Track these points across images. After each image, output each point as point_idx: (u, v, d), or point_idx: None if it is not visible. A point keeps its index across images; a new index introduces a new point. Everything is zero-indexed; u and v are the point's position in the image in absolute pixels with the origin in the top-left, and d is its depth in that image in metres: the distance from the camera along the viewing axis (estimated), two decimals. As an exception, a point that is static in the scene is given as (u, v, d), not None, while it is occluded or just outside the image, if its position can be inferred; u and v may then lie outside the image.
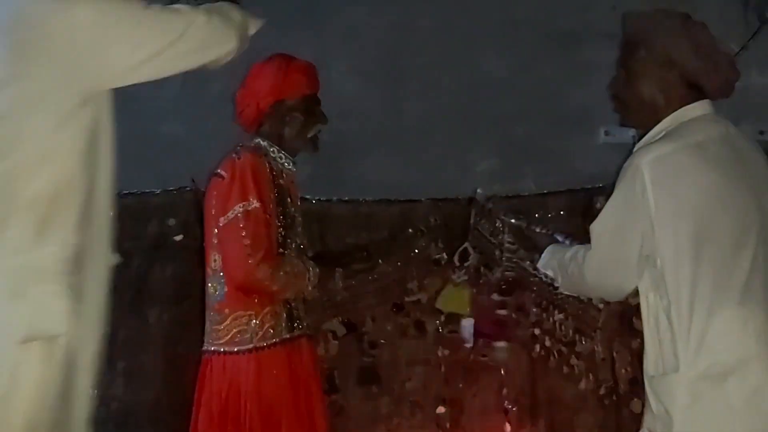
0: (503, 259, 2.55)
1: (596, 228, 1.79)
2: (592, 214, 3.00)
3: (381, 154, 3.53)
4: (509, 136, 3.43)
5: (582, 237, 1.92)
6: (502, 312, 2.99)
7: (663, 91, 1.76)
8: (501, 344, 3.01)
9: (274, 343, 2.28)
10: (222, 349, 2.28)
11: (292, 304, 2.33)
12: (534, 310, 2.96)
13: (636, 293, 1.78)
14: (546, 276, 2.01)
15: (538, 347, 2.97)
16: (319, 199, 3.09)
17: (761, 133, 3.62)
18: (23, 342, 1.27)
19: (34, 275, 1.29)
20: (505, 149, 3.45)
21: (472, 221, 2.81)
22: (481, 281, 2.97)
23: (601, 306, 2.68)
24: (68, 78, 1.31)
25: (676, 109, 1.75)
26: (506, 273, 2.76)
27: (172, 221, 3.25)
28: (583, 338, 2.92)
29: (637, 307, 1.80)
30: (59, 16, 1.29)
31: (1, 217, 1.28)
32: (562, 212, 3.18)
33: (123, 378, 3.18)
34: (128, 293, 3.20)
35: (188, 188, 3.18)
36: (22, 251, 1.29)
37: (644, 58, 1.77)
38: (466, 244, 2.89)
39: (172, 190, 3.25)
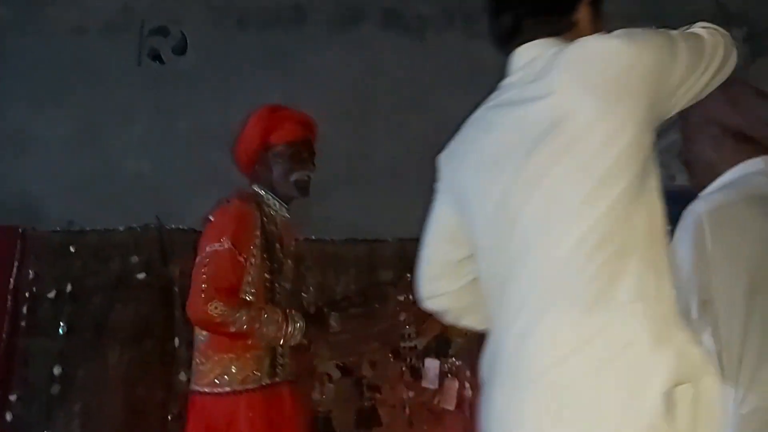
0: None
1: None
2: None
3: (348, 195, 3.55)
4: (475, 178, 3.47)
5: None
6: None
7: (715, 149, 1.81)
8: None
9: (254, 389, 2.27)
10: (203, 390, 2.29)
11: (278, 350, 2.32)
12: None
13: None
14: None
15: None
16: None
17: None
18: (664, 391, 1.23)
19: (674, 321, 1.29)
20: (470, 191, 3.49)
21: None
22: None
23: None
24: (636, 110, 1.32)
25: (733, 165, 1.78)
26: None
27: (135, 259, 3.21)
28: None
29: None
30: (622, 57, 1.32)
31: (625, 259, 1.26)
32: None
33: (80, 419, 3.10)
34: (88, 332, 3.14)
35: (152, 226, 3.15)
36: (659, 296, 1.27)
37: (691, 122, 1.84)
38: None
39: (135, 227, 3.21)
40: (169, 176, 3.65)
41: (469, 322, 1.61)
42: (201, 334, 2.33)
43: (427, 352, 3.07)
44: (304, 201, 2.54)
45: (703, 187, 1.83)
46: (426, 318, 2.99)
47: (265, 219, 2.36)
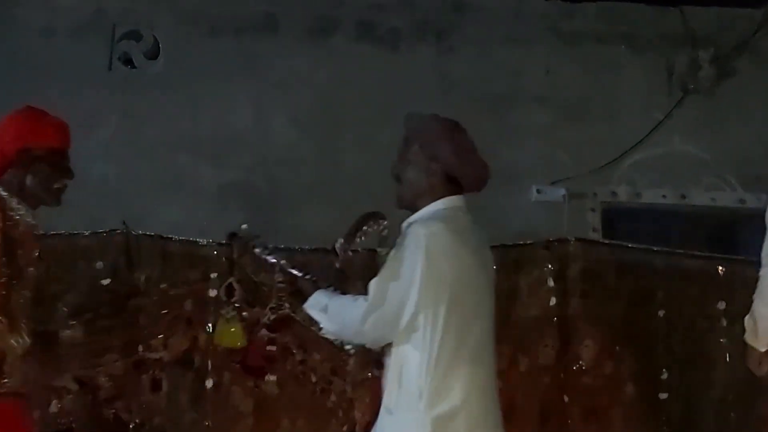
0: (274, 297, 2.65)
1: (378, 285, 2.06)
2: (523, 268, 3.11)
3: (317, 204, 3.55)
4: (444, 191, 3.49)
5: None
6: (272, 348, 3.02)
7: (427, 179, 2.15)
8: (272, 378, 3.05)
9: None
10: None
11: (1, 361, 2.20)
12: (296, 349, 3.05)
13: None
14: (311, 317, 2.22)
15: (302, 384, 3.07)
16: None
17: (683, 197, 3.77)
18: None
19: None
20: (439, 204, 3.50)
21: (234, 257, 2.88)
22: (247, 316, 2.97)
23: (351, 351, 2.82)
24: None
25: (436, 198, 2.14)
26: (276, 310, 2.87)
27: (100, 264, 3.16)
28: (337, 379, 3.04)
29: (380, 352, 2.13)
30: None
31: None
32: (494, 266, 3.27)
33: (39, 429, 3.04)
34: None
35: (119, 231, 3.11)
36: None
37: (416, 152, 2.16)
38: (231, 280, 2.94)
39: (101, 232, 3.17)
40: (136, 181, 3.62)
41: None
42: None
43: (173, 366, 3.03)
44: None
45: (405, 202, 2.19)
46: (176, 331, 2.97)
47: (8, 223, 2.26)
